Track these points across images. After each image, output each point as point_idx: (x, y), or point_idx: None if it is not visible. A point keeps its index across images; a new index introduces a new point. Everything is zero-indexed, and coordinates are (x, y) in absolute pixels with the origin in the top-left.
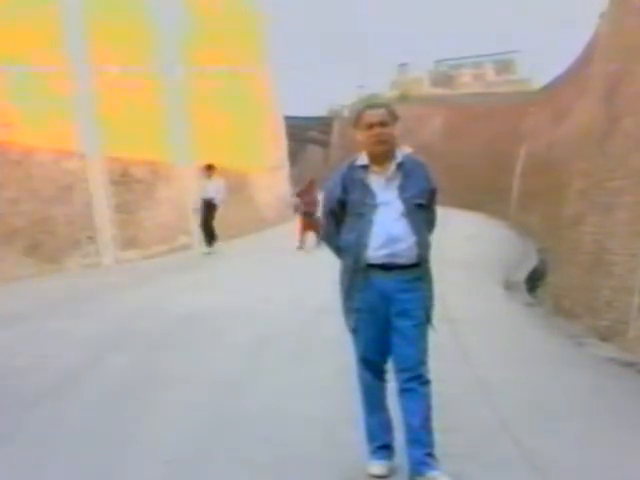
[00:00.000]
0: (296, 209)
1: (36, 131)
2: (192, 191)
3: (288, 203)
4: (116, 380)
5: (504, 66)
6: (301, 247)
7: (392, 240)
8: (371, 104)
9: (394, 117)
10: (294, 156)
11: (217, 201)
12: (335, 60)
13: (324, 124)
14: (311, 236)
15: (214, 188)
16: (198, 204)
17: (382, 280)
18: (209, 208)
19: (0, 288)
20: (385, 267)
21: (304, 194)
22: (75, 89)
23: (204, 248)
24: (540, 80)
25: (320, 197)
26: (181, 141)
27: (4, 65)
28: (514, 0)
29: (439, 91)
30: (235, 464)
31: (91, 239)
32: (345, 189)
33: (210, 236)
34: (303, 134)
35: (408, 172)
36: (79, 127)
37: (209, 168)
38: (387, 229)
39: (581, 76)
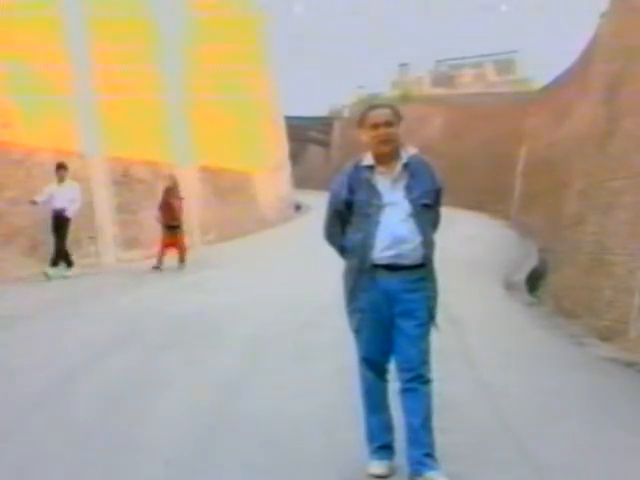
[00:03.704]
0: (158, 221)
1: (37, 131)
2: (192, 192)
3: (289, 203)
4: (116, 380)
5: (505, 66)
6: (158, 267)
7: (398, 241)
8: (376, 104)
9: (398, 117)
10: (295, 156)
11: (69, 213)
12: (336, 60)
13: (325, 124)
14: (176, 254)
15: (67, 196)
16: (39, 199)
17: (387, 280)
18: (59, 222)
19: (0, 288)
20: (390, 267)
21: (163, 205)
22: (75, 89)
23: (67, 271)
24: (540, 80)
25: (183, 199)
26: (182, 141)
27: (4, 65)
28: (514, 0)
29: (440, 91)
30: (235, 464)
31: (92, 239)
32: (351, 189)
33: (58, 256)
34: (304, 134)
35: (414, 172)
36: (80, 127)
37: (59, 168)
38: (393, 230)
39: (581, 76)
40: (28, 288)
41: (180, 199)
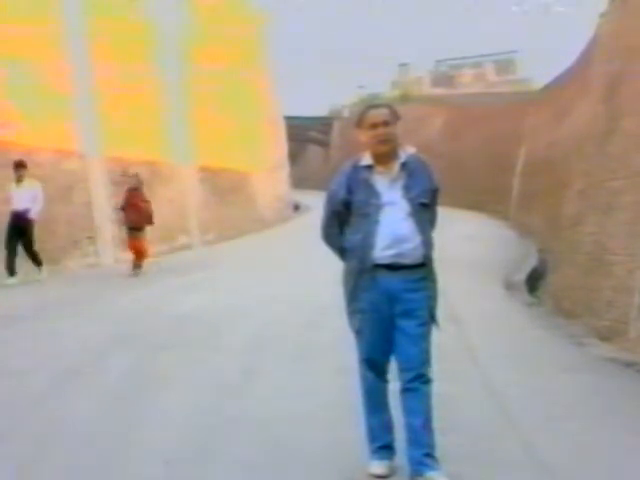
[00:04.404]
0: (121, 223)
1: (36, 131)
2: (192, 192)
3: (287, 203)
4: (116, 380)
5: (504, 66)
6: (139, 269)
7: (399, 240)
8: (373, 104)
9: (396, 116)
10: (294, 156)
11: (32, 214)
12: (336, 60)
13: (324, 124)
14: (136, 258)
15: (26, 196)
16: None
17: (388, 280)
18: (21, 224)
19: (0, 288)
20: (391, 267)
21: (126, 206)
22: (75, 89)
23: (8, 279)
24: (540, 80)
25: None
26: (181, 141)
27: (4, 65)
28: (515, 0)
29: (439, 91)
30: (235, 464)
31: (91, 239)
32: (350, 190)
33: (34, 260)
34: (303, 134)
35: (412, 171)
36: (79, 127)
37: (17, 167)
38: (393, 229)
39: (581, 76)
40: (28, 288)
41: (146, 202)
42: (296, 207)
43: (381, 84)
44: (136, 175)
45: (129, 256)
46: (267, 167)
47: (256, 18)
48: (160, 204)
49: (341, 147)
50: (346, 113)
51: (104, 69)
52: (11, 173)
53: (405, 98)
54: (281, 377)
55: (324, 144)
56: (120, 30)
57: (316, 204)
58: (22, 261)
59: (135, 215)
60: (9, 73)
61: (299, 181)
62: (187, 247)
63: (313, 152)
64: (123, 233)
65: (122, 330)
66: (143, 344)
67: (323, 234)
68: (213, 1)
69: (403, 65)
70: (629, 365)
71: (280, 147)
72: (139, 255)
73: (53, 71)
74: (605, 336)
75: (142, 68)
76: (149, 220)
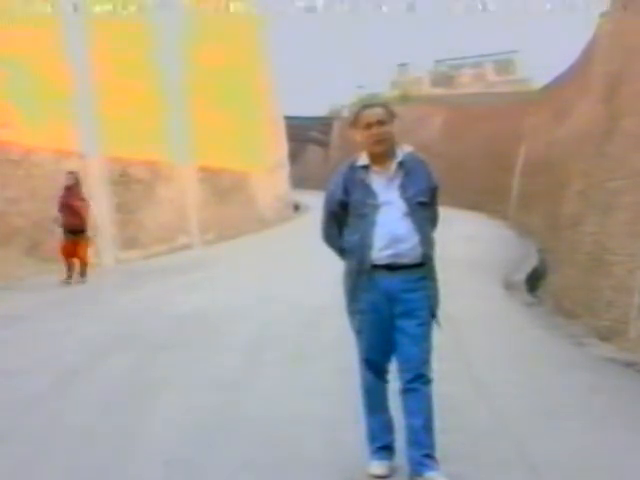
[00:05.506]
0: (60, 226)
1: (36, 131)
2: (191, 192)
3: (287, 203)
4: (116, 380)
5: (504, 66)
6: (68, 281)
7: (396, 240)
8: (368, 104)
9: (392, 116)
10: (294, 156)
11: None
12: (336, 60)
13: (324, 124)
14: (78, 264)
15: None
16: None
17: (387, 280)
18: None
19: (0, 288)
20: (390, 267)
21: (63, 207)
22: (75, 89)
23: None
24: (540, 80)
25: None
26: (181, 141)
27: (4, 65)
28: (515, 1)
29: (439, 91)
30: (235, 464)
31: (90, 239)
32: (346, 190)
33: None
34: (303, 134)
35: (409, 170)
36: (79, 127)
37: None
38: (390, 229)
39: (581, 76)
40: (28, 288)
41: (82, 200)
42: (296, 207)
43: (380, 84)
44: (73, 173)
45: (129, 255)
46: (267, 167)
47: (256, 18)
48: (160, 204)
49: (341, 147)
50: (346, 113)
51: (104, 69)
52: (10, 172)
53: (404, 98)
54: (281, 377)
55: (324, 144)
56: (120, 30)
57: (316, 204)
58: (22, 260)
59: (72, 217)
60: (9, 73)
61: (299, 181)
62: (187, 247)
63: (313, 152)
64: (123, 233)
65: (122, 330)
66: (143, 344)
67: (323, 235)
68: (213, 1)
69: (402, 65)
70: (629, 365)
71: (280, 147)
72: (82, 262)
73: (53, 71)
74: (605, 336)
75: (142, 68)
76: (82, 222)
